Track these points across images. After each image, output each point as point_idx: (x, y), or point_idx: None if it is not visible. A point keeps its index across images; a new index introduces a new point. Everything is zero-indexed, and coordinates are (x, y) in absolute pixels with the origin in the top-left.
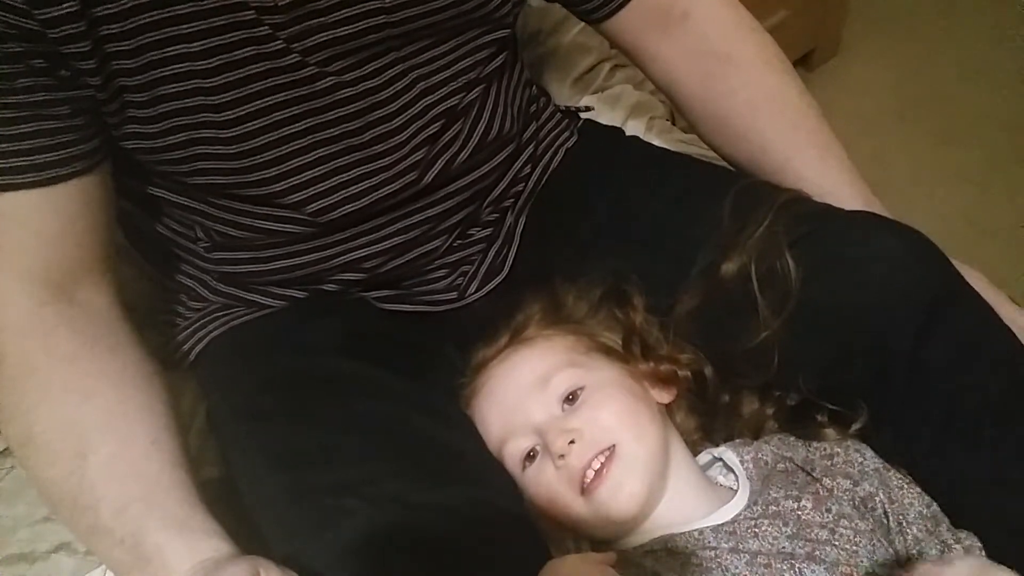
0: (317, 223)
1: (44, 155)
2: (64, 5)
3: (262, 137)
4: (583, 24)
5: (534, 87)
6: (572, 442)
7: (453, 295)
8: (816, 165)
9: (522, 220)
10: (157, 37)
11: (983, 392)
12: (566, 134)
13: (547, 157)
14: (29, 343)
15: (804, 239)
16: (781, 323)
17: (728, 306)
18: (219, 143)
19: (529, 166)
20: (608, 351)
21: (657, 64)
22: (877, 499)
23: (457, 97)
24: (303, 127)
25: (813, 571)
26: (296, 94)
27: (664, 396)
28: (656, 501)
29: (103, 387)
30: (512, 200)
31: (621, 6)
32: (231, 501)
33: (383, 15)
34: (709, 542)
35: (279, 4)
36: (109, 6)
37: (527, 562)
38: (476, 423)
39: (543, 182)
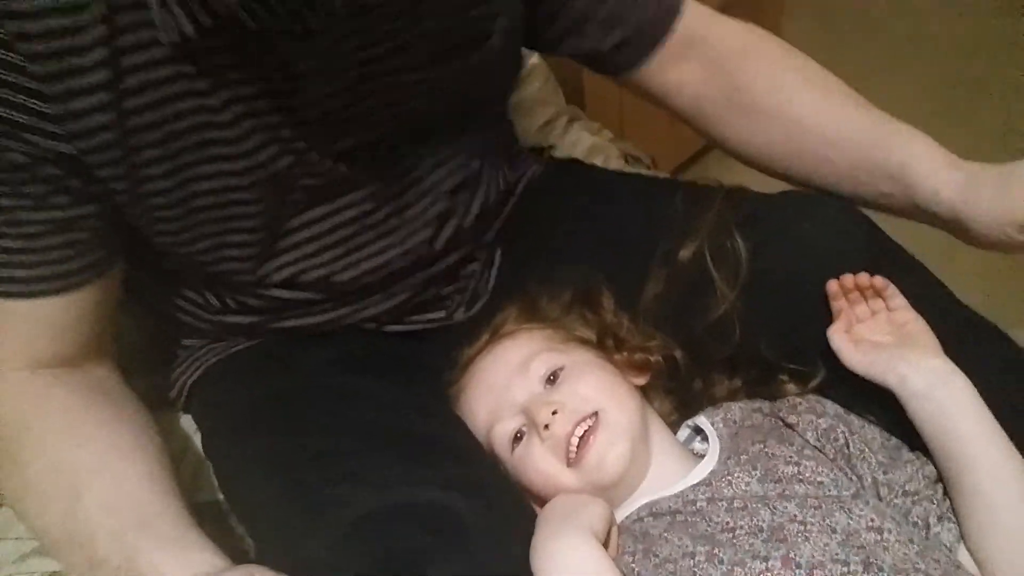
0: (333, 291)
1: (67, 264)
2: (99, 136)
3: (286, 225)
4: (543, 80)
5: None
6: (555, 412)
7: (441, 315)
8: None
9: (500, 245)
10: (190, 143)
11: None
12: (535, 166)
13: (519, 188)
14: (24, 405)
15: (749, 218)
16: (738, 296)
17: (689, 287)
18: (246, 233)
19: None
20: (583, 342)
21: (684, 91)
22: (839, 430)
23: (464, 169)
24: (323, 212)
25: (785, 508)
26: (318, 188)
27: (639, 380)
28: (642, 469)
29: (97, 432)
30: (494, 232)
31: (651, 50)
32: (225, 522)
33: (398, 122)
34: (688, 497)
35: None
36: (144, 116)
37: (524, 528)
38: (465, 417)
39: (514, 209)
